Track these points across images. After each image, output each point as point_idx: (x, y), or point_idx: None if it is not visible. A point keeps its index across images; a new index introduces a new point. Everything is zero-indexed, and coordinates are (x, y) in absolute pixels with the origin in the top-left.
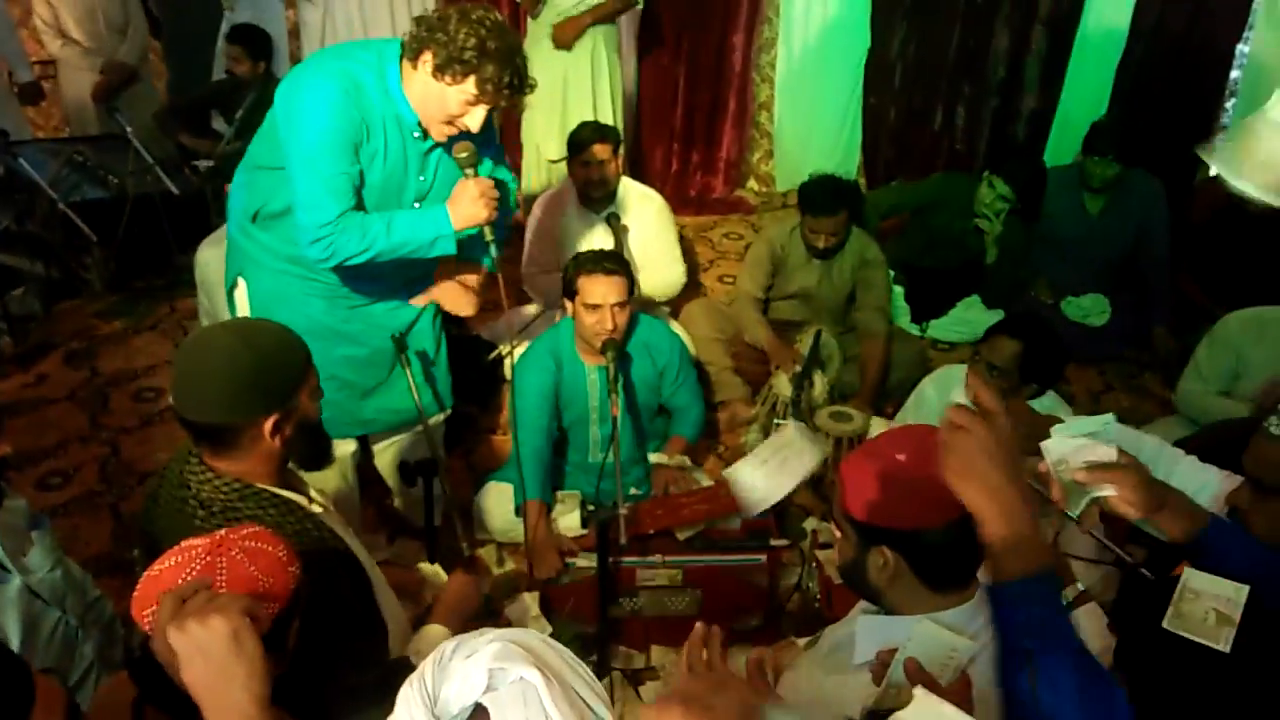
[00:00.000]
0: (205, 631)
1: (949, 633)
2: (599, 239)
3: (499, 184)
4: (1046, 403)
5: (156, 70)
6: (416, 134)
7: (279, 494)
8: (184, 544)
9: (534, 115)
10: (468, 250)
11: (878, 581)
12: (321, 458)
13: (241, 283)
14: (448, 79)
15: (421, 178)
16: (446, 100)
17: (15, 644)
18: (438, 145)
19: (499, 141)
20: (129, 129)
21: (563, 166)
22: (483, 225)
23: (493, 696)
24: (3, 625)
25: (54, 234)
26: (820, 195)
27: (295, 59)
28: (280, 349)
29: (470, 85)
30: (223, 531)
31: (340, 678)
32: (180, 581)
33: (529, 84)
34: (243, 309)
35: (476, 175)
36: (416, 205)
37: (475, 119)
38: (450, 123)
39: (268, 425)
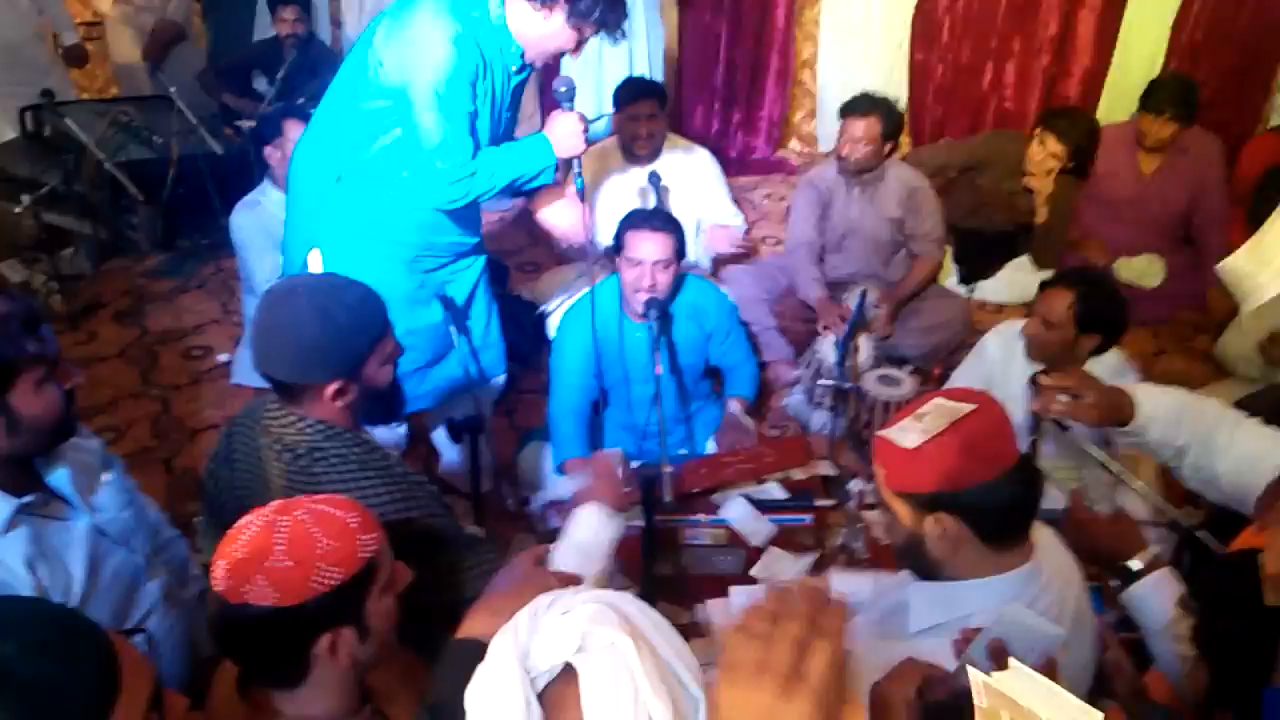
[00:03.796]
0: None
1: (1040, 619)
2: (641, 198)
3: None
4: (1110, 361)
5: (197, 31)
6: (515, 66)
7: (361, 435)
8: (259, 508)
9: (568, 73)
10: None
11: (939, 552)
12: (388, 417)
13: (316, 254)
14: (573, 21)
15: (505, 112)
16: (563, 40)
17: (78, 582)
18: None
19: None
20: (172, 89)
21: (599, 125)
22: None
23: (583, 658)
24: (66, 563)
25: (101, 194)
26: (855, 97)
27: (335, 19)
28: (353, 319)
29: (590, 29)
30: (299, 497)
31: (450, 594)
32: (244, 536)
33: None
34: None
35: (572, 108)
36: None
37: (576, 52)
38: (556, 55)
39: (328, 390)
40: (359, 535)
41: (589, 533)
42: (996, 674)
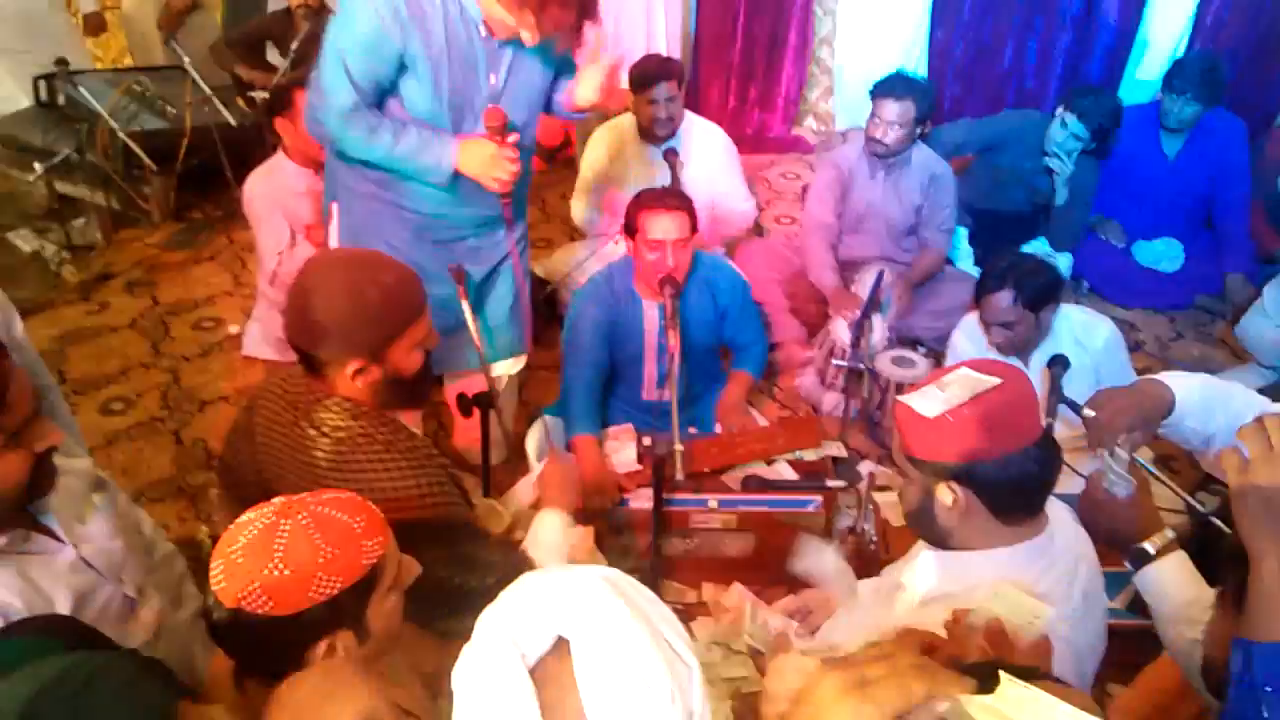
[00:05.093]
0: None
1: (1031, 599)
2: (657, 174)
3: (523, 157)
4: (1103, 331)
5: (212, 1)
6: (483, 33)
7: (387, 414)
8: (264, 503)
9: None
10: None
11: (947, 521)
12: (408, 406)
13: (335, 209)
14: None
15: (493, 77)
16: (512, 13)
17: None
18: (509, 44)
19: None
20: (186, 59)
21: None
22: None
23: (576, 629)
24: (52, 601)
25: (114, 164)
26: (890, 78)
27: None
28: (386, 300)
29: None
30: (305, 495)
31: (459, 581)
32: (243, 537)
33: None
34: (334, 236)
35: (503, 141)
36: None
37: (530, 37)
38: (516, 33)
39: (348, 369)
40: (363, 540)
41: (553, 535)
42: (985, 698)
